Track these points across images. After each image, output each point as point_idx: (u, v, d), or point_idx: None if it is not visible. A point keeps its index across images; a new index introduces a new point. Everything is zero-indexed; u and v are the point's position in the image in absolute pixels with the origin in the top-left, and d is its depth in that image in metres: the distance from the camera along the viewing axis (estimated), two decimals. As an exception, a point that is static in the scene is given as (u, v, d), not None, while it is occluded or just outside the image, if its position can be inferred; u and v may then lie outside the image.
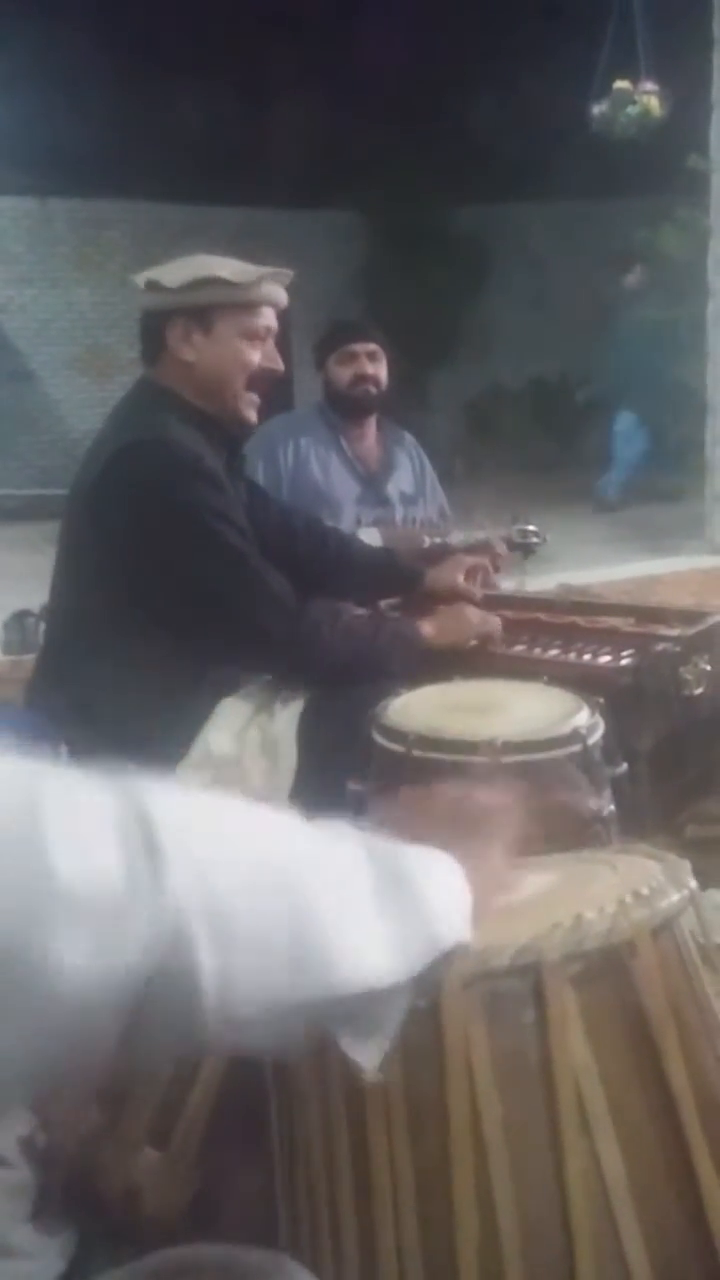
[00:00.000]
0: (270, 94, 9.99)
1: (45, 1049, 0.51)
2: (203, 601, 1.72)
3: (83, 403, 9.45)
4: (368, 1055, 0.63)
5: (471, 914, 0.67)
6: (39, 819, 0.50)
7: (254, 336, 1.81)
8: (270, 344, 1.85)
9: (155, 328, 1.82)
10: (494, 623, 1.94)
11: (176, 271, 1.80)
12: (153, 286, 1.81)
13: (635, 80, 6.54)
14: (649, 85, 6.52)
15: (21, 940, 0.48)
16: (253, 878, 0.57)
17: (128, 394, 1.93)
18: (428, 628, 1.86)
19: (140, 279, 1.84)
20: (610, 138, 6.74)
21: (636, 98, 6.50)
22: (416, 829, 0.74)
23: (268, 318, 1.83)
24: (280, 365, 1.87)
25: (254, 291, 1.79)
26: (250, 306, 1.80)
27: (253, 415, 1.88)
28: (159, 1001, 0.52)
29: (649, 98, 6.50)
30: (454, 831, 0.75)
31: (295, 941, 0.57)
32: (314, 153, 9.59)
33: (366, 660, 1.73)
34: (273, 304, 1.83)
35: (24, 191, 9.04)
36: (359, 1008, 0.62)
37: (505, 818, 0.79)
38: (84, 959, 0.49)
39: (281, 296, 1.85)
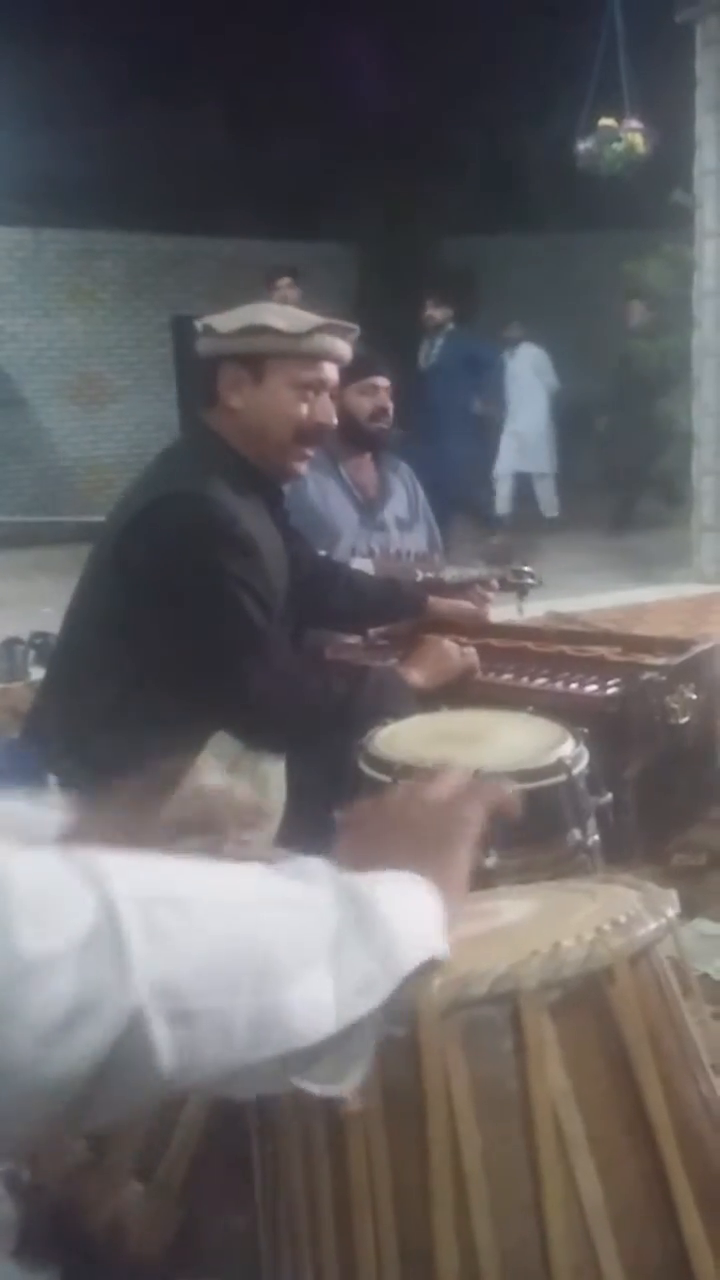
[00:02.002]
0: (262, 126, 10.13)
1: None
2: (204, 665, 1.71)
3: (74, 431, 9.50)
4: (344, 1087, 0.63)
5: (445, 925, 0.68)
6: (8, 907, 0.52)
7: (305, 388, 1.78)
8: (324, 398, 1.81)
9: (209, 373, 1.80)
10: (472, 655, 1.96)
11: (232, 318, 1.78)
12: (208, 331, 1.79)
13: (620, 118, 6.66)
14: (634, 123, 6.64)
15: None
16: (213, 950, 0.58)
17: (180, 437, 1.92)
18: (414, 674, 1.86)
19: (199, 323, 1.81)
20: (596, 173, 6.85)
21: (622, 135, 6.62)
22: (375, 846, 0.75)
23: (324, 371, 1.79)
24: (333, 420, 1.84)
25: (306, 343, 1.76)
26: (304, 358, 1.77)
27: (302, 469, 1.86)
28: (115, 1078, 0.54)
29: (634, 135, 6.61)
30: (412, 840, 0.76)
31: (255, 1007, 0.58)
32: (306, 184, 9.71)
33: (355, 720, 1.72)
34: (329, 357, 1.80)
35: (16, 222, 9.12)
36: (325, 1050, 0.62)
37: (460, 813, 0.80)
38: (44, 1047, 0.51)
39: (341, 350, 1.81)
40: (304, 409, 1.79)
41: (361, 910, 0.65)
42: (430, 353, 6.79)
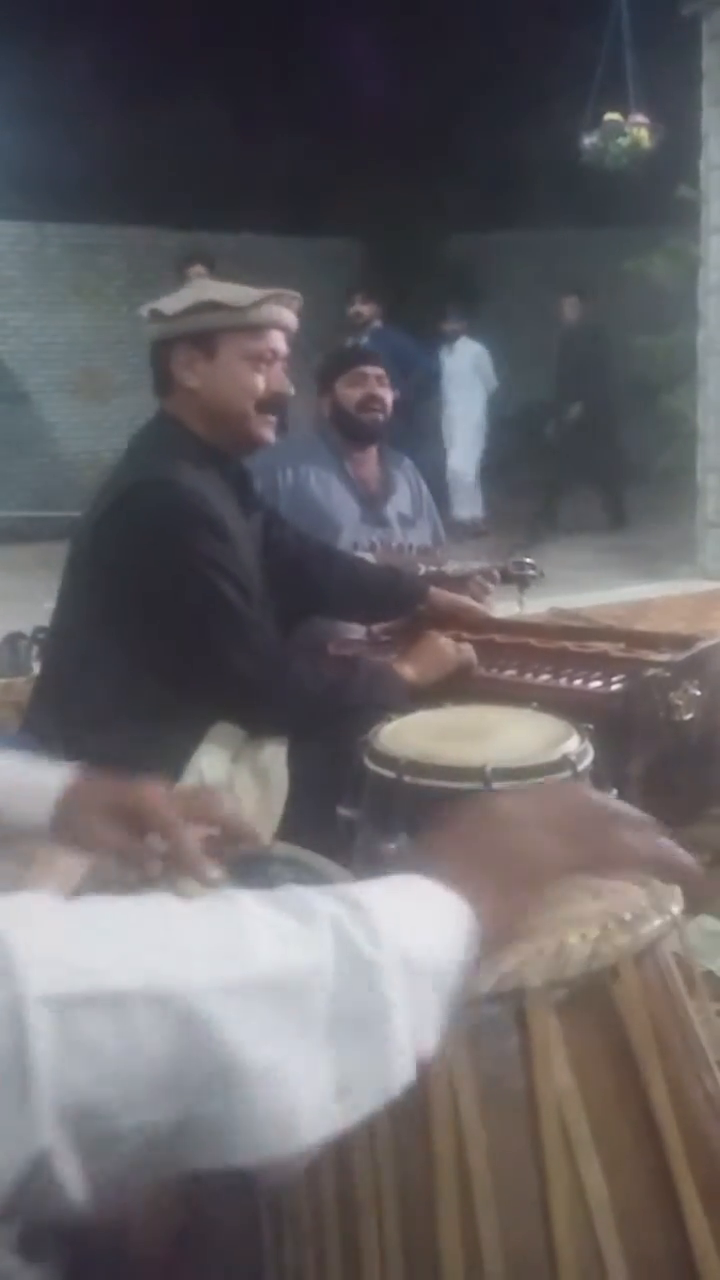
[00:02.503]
0: (266, 122, 10.12)
1: None
2: (188, 650, 1.73)
3: (77, 426, 9.50)
4: (274, 1177, 0.55)
5: (469, 958, 0.58)
6: None
7: (258, 360, 1.80)
8: (277, 368, 1.84)
9: (161, 358, 1.83)
10: (468, 651, 1.95)
11: (177, 299, 1.81)
12: (155, 316, 1.82)
13: (625, 113, 6.65)
14: (639, 117, 6.62)
15: None
16: (157, 1058, 0.47)
17: (143, 427, 1.93)
18: (408, 669, 1.86)
19: (144, 310, 1.85)
20: (601, 168, 6.83)
21: (627, 130, 6.60)
22: (461, 850, 0.63)
23: (273, 340, 1.82)
24: (289, 388, 1.86)
25: (254, 314, 1.79)
26: (252, 329, 1.80)
27: (269, 435, 1.87)
28: (29, 1201, 0.47)
29: (639, 129, 6.60)
30: (498, 857, 0.62)
31: (210, 1119, 0.49)
32: (308, 179, 9.70)
33: (345, 710, 1.73)
34: (277, 326, 1.83)
35: (20, 217, 9.11)
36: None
37: (573, 840, 0.67)
38: None
39: (287, 319, 1.84)
40: (260, 380, 1.81)
41: (364, 981, 0.53)
42: None
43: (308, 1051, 0.51)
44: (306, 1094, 0.51)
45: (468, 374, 7.84)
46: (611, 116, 6.63)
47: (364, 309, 6.63)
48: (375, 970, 0.53)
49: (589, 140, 6.72)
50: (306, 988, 0.52)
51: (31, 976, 0.46)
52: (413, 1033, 0.54)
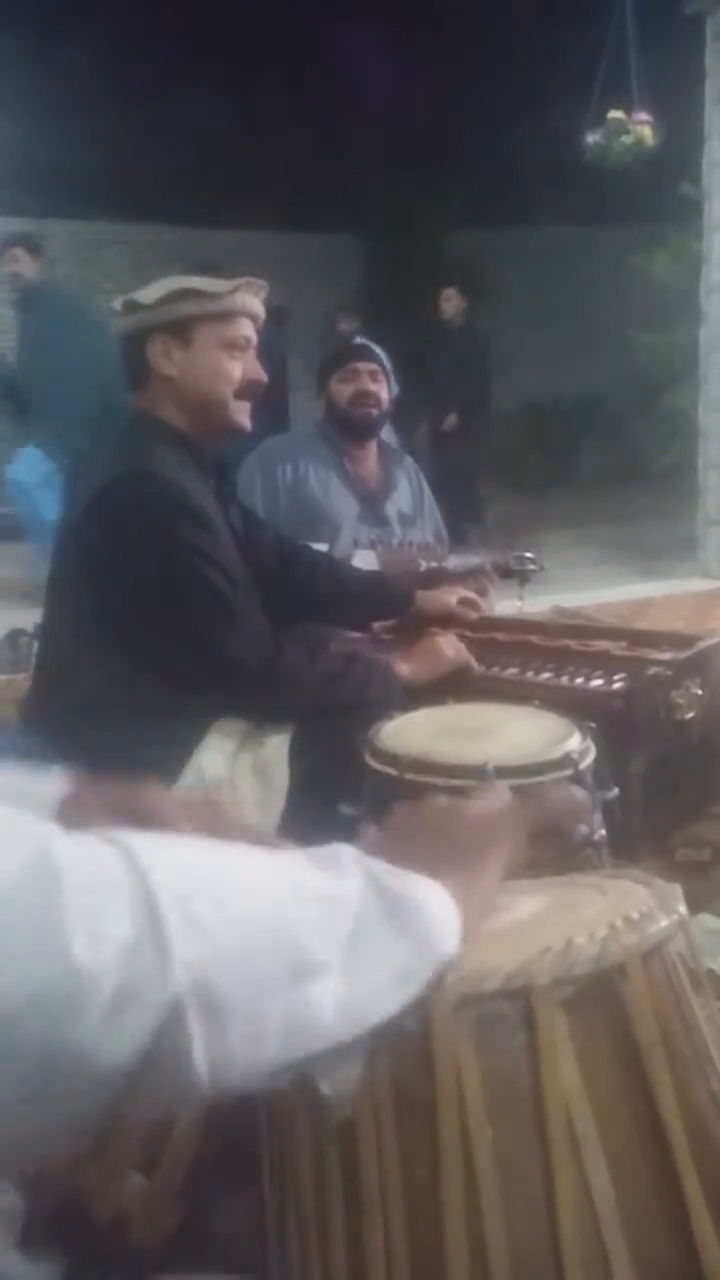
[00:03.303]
0: (267, 118, 10.10)
1: (34, 1114, 0.52)
2: (180, 639, 1.73)
3: (78, 422, 9.49)
4: (351, 1083, 0.64)
5: (459, 939, 0.68)
6: (53, 897, 0.52)
7: (233, 347, 1.83)
8: (251, 355, 1.87)
9: (136, 350, 1.84)
10: (465, 652, 1.96)
11: (153, 289, 1.83)
12: (129, 307, 1.83)
13: (629, 110, 6.64)
14: (642, 115, 6.61)
15: (30, 1013, 0.50)
16: (248, 945, 0.57)
17: (118, 422, 1.94)
18: (404, 667, 1.86)
19: (117, 302, 1.86)
20: (604, 166, 6.83)
21: (630, 127, 6.59)
22: (406, 848, 0.74)
23: (245, 328, 1.85)
24: (263, 376, 1.89)
25: (229, 301, 1.81)
26: (226, 317, 1.82)
27: (246, 422, 1.90)
28: (151, 1079, 0.54)
29: (642, 127, 6.59)
30: (445, 850, 0.74)
31: (288, 1005, 0.58)
32: (310, 176, 9.69)
33: (340, 700, 1.74)
34: (249, 314, 1.85)
35: (22, 212, 9.09)
36: (350, 1048, 0.62)
37: (498, 833, 0.79)
38: (86, 1038, 0.51)
39: (257, 307, 1.87)
40: (236, 367, 1.84)
41: (394, 899, 0.64)
42: None
43: (360, 948, 0.62)
44: (367, 982, 0.62)
45: None
46: (615, 114, 6.62)
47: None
48: (401, 885, 0.65)
49: (592, 138, 6.71)
50: (351, 898, 0.63)
51: (156, 870, 0.55)
52: (444, 923, 0.67)
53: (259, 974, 0.57)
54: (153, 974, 0.53)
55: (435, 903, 0.67)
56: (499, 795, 0.84)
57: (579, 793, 1.35)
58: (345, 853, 0.67)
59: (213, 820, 0.98)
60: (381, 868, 0.67)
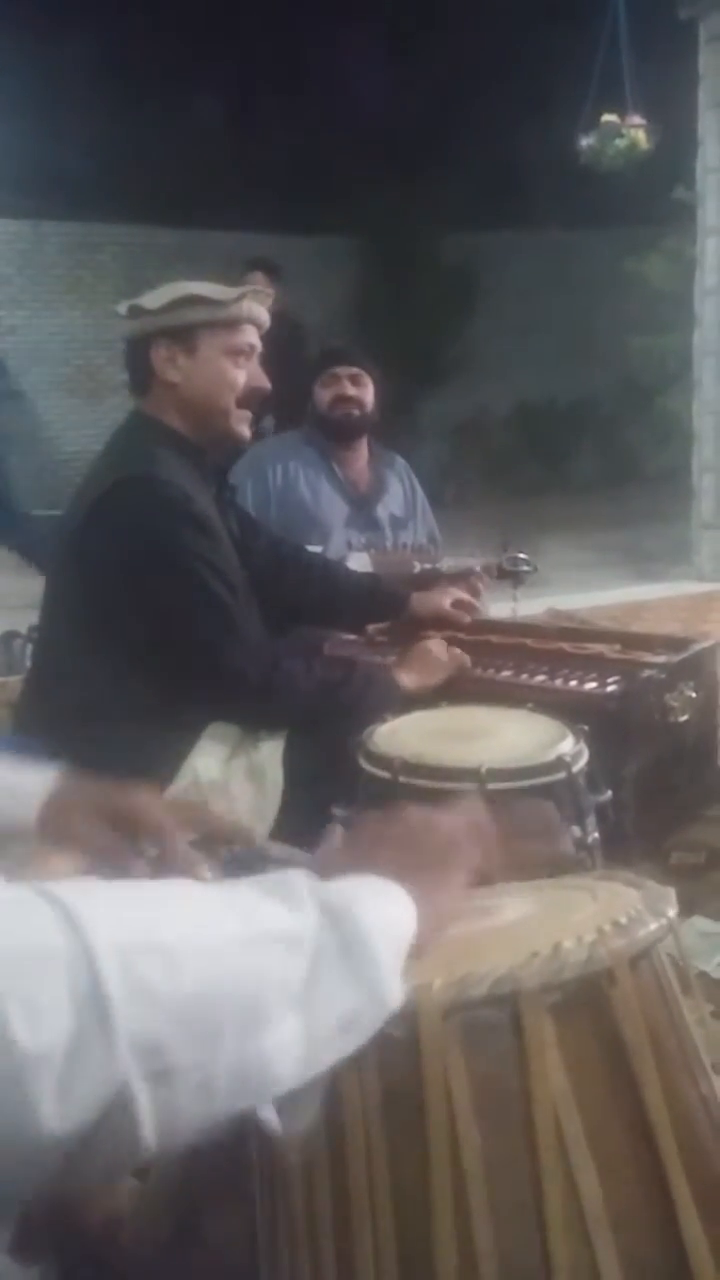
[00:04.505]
0: (263, 120, 10.11)
1: None
2: (179, 645, 1.73)
3: (74, 424, 9.47)
4: (294, 1123, 0.63)
5: (411, 949, 0.67)
6: None
7: (237, 354, 1.83)
8: (255, 363, 1.87)
9: (140, 354, 1.84)
10: (461, 656, 1.96)
11: (158, 295, 1.83)
12: (135, 311, 1.83)
13: (623, 114, 6.64)
14: (636, 119, 6.62)
15: None
16: (195, 999, 0.55)
17: (120, 427, 1.94)
18: (404, 677, 1.87)
19: (122, 306, 1.86)
20: (598, 169, 6.83)
21: (624, 131, 6.60)
22: (372, 856, 0.74)
23: (250, 335, 1.85)
24: (267, 384, 1.89)
25: (234, 309, 1.81)
26: (231, 324, 1.82)
27: (247, 432, 1.90)
28: (97, 1147, 0.52)
29: (636, 131, 6.59)
30: (409, 863, 0.74)
31: (237, 1056, 0.56)
32: (305, 178, 9.68)
33: (339, 709, 1.73)
34: (254, 322, 1.85)
35: (17, 214, 9.09)
36: (299, 1092, 0.61)
37: (468, 845, 0.79)
38: (28, 1117, 0.50)
39: (262, 315, 1.87)
40: (240, 375, 1.84)
41: (348, 935, 0.62)
42: None
43: (312, 994, 0.60)
44: (318, 1028, 0.60)
45: None
46: (609, 118, 6.63)
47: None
48: (353, 921, 0.63)
49: (586, 141, 6.72)
50: (303, 939, 0.61)
51: (96, 929, 0.53)
52: (394, 972, 0.64)
53: (209, 1030, 0.55)
54: (98, 1053, 0.51)
55: (387, 935, 0.65)
56: (471, 809, 0.84)
57: (550, 809, 1.34)
58: (299, 883, 0.65)
59: (198, 821, 0.99)
60: (336, 894, 0.65)
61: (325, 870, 0.69)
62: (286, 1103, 0.62)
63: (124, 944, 0.53)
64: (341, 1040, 0.62)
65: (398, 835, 0.79)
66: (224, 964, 0.57)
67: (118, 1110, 0.52)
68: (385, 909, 0.67)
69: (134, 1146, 0.53)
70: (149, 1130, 0.53)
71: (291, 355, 4.33)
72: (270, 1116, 0.62)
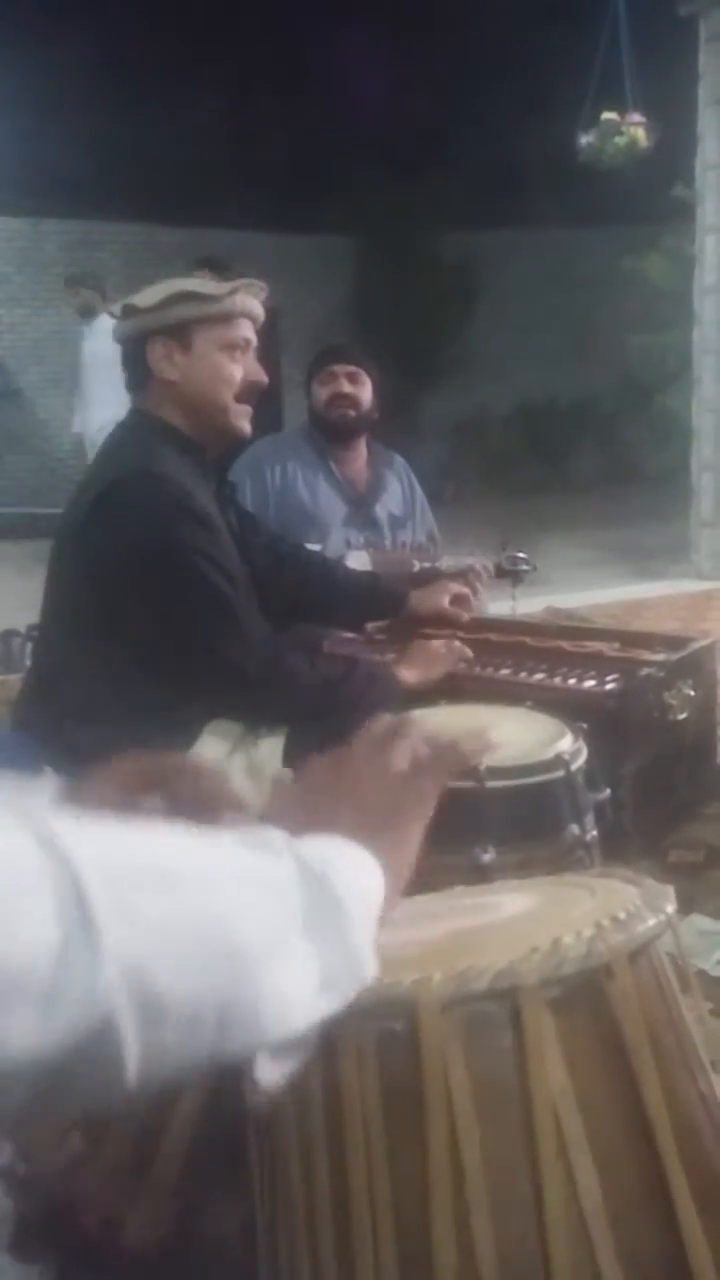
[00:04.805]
0: (262, 118, 10.10)
1: None
2: (181, 642, 1.73)
3: (72, 422, 9.48)
4: (273, 1075, 0.61)
5: (382, 913, 0.65)
6: None
7: (233, 348, 1.83)
8: (251, 357, 1.86)
9: (136, 353, 1.84)
10: (461, 648, 1.96)
11: (152, 293, 1.82)
12: (128, 310, 1.83)
13: (622, 112, 6.64)
14: (636, 117, 6.62)
15: None
16: (186, 931, 0.54)
17: (119, 424, 1.94)
18: (405, 674, 1.86)
19: (115, 307, 1.86)
20: (598, 167, 6.83)
21: (624, 129, 6.60)
22: (335, 818, 0.71)
23: (245, 329, 1.84)
24: (264, 377, 1.89)
25: (228, 303, 1.81)
26: (226, 319, 1.82)
27: (246, 427, 1.89)
28: (75, 1074, 0.51)
29: (636, 129, 6.59)
30: (373, 821, 0.71)
31: (225, 996, 0.55)
32: (305, 178, 9.68)
33: (340, 705, 1.73)
34: (248, 316, 1.85)
35: (16, 212, 9.09)
36: (283, 1045, 0.60)
37: (424, 791, 0.76)
38: (10, 1036, 0.48)
39: (256, 308, 1.86)
40: (237, 370, 1.83)
41: (325, 898, 0.61)
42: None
43: (294, 944, 0.59)
44: (299, 981, 0.58)
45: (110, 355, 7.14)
46: (608, 116, 6.63)
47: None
48: (329, 884, 0.61)
49: (586, 139, 6.72)
50: (284, 890, 0.60)
51: (82, 855, 0.51)
52: (368, 942, 0.63)
53: (198, 962, 0.54)
54: (84, 969, 0.49)
55: (362, 904, 0.63)
56: (417, 741, 0.81)
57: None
58: (276, 837, 0.63)
59: (202, 787, 0.96)
60: (312, 855, 0.63)
61: (281, 824, 0.66)
62: (264, 1059, 0.60)
63: (111, 866, 0.52)
64: (321, 1000, 0.60)
65: (356, 793, 0.75)
66: (212, 896, 0.56)
67: (102, 1036, 0.50)
68: (358, 879, 0.65)
69: (114, 1073, 0.52)
70: (132, 1060, 0.51)
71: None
72: (260, 1069, 0.60)
